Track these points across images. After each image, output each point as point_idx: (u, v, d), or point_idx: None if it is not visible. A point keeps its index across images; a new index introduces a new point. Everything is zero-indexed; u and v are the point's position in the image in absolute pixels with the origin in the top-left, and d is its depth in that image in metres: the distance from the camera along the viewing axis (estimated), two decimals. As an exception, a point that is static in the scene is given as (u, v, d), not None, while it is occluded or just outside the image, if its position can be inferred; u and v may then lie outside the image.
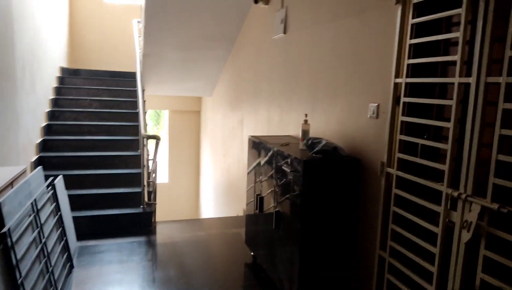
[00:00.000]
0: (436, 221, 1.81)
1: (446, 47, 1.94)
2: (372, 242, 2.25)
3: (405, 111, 2.03)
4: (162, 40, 4.88)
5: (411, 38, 1.99)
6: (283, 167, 2.54)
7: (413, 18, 1.99)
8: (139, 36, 5.52)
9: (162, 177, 8.25)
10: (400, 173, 2.03)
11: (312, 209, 2.34)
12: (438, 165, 1.79)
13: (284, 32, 3.50)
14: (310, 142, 2.45)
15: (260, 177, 3.05)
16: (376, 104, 2.21)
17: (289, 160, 2.47)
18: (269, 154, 2.84)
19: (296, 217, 2.39)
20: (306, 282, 2.37)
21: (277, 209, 2.67)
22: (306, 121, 2.66)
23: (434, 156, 1.93)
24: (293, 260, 2.44)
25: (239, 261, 3.41)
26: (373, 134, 2.25)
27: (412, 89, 2.02)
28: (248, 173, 3.37)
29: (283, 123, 3.62)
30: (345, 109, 2.55)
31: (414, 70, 2.01)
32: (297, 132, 3.30)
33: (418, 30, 1.99)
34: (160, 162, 8.68)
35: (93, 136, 4.95)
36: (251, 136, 3.33)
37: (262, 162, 3.00)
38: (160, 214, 5.33)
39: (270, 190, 2.86)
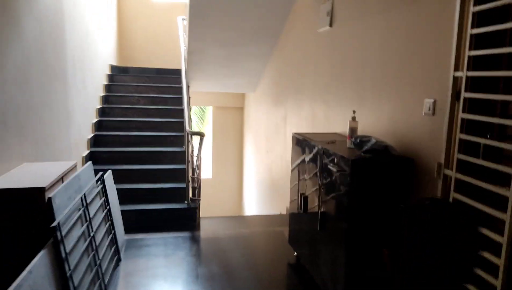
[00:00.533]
0: (500, 230, 1.65)
1: (514, 36, 1.75)
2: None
3: (465, 107, 1.86)
4: (206, 37, 4.89)
5: (472, 28, 1.82)
6: (329, 166, 2.44)
7: (474, 5, 1.82)
8: (184, 33, 5.58)
9: (206, 173, 8.37)
10: (460, 176, 1.87)
11: (360, 210, 2.22)
12: (505, 168, 1.62)
13: (330, 25, 3.37)
14: (358, 140, 2.33)
15: (304, 175, 2.96)
16: (433, 100, 2.05)
17: (335, 158, 2.37)
18: (314, 152, 2.75)
19: (343, 218, 2.29)
20: (351, 285, 2.26)
21: (322, 210, 2.58)
22: (354, 118, 2.54)
23: (497, 158, 1.76)
24: (338, 263, 2.34)
25: (282, 261, 3.35)
26: (429, 132, 2.09)
27: (473, 84, 1.85)
28: (292, 171, 3.29)
29: (328, 120, 3.50)
30: (396, 105, 2.40)
31: (475, 63, 1.84)
32: (343, 129, 3.17)
33: (481, 19, 1.82)
34: (204, 158, 8.81)
35: (140, 132, 5.08)
36: (295, 133, 3.25)
37: (307, 160, 2.91)
38: (204, 210, 5.39)
39: (314, 189, 2.77)
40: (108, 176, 3.39)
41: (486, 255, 1.71)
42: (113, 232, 3.16)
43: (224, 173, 8.25)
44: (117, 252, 3.17)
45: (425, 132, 2.12)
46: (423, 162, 2.13)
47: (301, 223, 3.07)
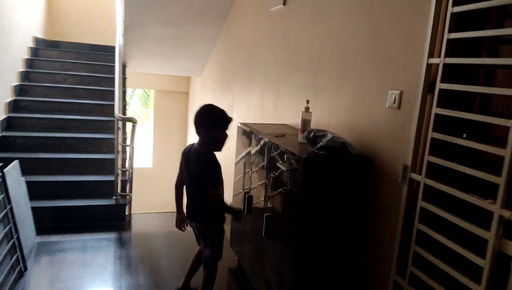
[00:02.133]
0: (479, 249, 1.37)
1: (501, 18, 1.46)
2: (386, 264, 1.81)
3: (440, 101, 1.56)
4: (146, 10, 4.32)
5: (454, 5, 1.51)
6: (277, 164, 2.07)
7: (455, -20, 1.51)
8: (121, 4, 4.95)
9: (145, 161, 7.76)
10: (430, 182, 1.57)
11: (312, 217, 1.88)
12: (490, 177, 1.33)
13: (284, 3, 2.99)
14: (312, 135, 1.98)
15: (250, 170, 2.58)
16: (399, 91, 1.74)
17: (285, 155, 2.00)
18: (261, 145, 2.37)
19: (292, 225, 1.93)
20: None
21: (268, 214, 2.21)
22: (307, 109, 2.18)
23: (475, 162, 1.48)
24: (285, 277, 2.00)
25: (223, 266, 2.97)
26: (393, 129, 1.78)
27: (451, 73, 1.55)
28: (236, 164, 2.90)
29: (278, 110, 3.14)
30: (357, 96, 2.07)
31: (455, 48, 1.54)
32: (295, 121, 2.82)
33: (461, -4, 1.51)
34: (144, 146, 8.17)
35: (65, 115, 4.43)
36: (241, 123, 2.85)
37: (253, 154, 2.53)
38: (141, 204, 4.86)
39: (260, 188, 2.40)
40: (13, 168, 2.80)
41: (463, 279, 1.43)
42: (15, 236, 2.60)
43: (166, 162, 7.68)
44: (21, 260, 2.61)
45: (388, 129, 1.81)
46: (386, 164, 1.82)
47: (244, 224, 2.70)
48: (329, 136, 1.90)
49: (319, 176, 1.87)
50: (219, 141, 2.11)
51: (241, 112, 4.10)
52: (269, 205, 2.24)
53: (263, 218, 2.26)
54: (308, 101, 2.19)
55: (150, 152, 7.69)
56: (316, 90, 2.51)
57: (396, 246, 1.71)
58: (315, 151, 1.92)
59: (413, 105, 1.65)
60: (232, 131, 4.35)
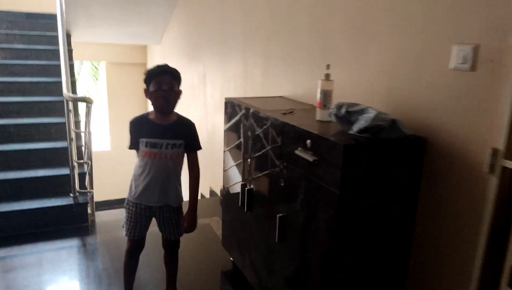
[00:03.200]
0: None
1: None
2: (463, 283, 1.39)
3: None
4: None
5: None
6: (296, 152, 1.57)
7: None
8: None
9: (103, 144, 6.98)
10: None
11: (354, 225, 1.42)
12: None
13: None
14: (344, 110, 1.48)
15: (248, 159, 2.06)
16: (472, 46, 1.27)
17: (308, 141, 1.50)
18: (264, 127, 1.86)
19: (326, 235, 1.47)
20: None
21: (282, 215, 1.73)
22: (327, 76, 1.67)
23: None
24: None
25: (214, 268, 2.49)
26: (465, 99, 1.32)
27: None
28: (227, 150, 2.38)
29: (269, 80, 2.61)
30: (392, 56, 1.59)
31: None
32: (295, 92, 2.32)
33: None
34: (100, 127, 7.34)
35: (0, 97, 3.63)
36: (229, 98, 2.30)
37: (252, 138, 2.01)
38: (101, 192, 4.22)
39: (264, 179, 1.91)
40: None
41: None
42: None
43: (126, 142, 6.95)
44: (-47, 294, 1.98)
45: (455, 99, 1.35)
46: (456, 147, 1.37)
47: (243, 223, 2.21)
48: (372, 112, 1.42)
49: (363, 168, 1.39)
50: (155, 99, 1.77)
51: (217, 84, 3.52)
52: (281, 203, 1.76)
53: (272, 219, 1.78)
54: (328, 66, 1.67)
55: (107, 134, 6.91)
56: (325, 52, 2.00)
57: (478, 259, 1.29)
58: (356, 134, 1.43)
59: (501, 65, 1.20)
60: (208, 106, 3.78)
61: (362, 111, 1.46)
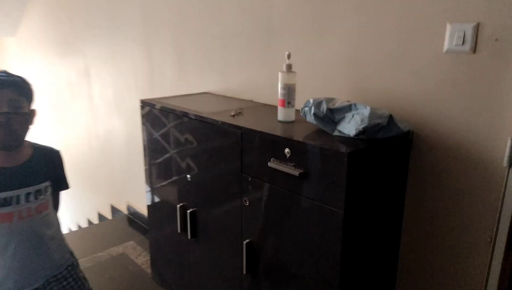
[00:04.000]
0: None
1: None
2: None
3: None
4: None
5: None
6: (271, 164, 1.25)
7: None
8: None
9: None
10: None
11: (359, 249, 1.18)
12: None
13: None
14: (324, 108, 1.22)
15: (188, 176, 1.66)
16: (473, 24, 1.11)
17: (288, 151, 1.20)
18: (213, 135, 1.48)
19: (323, 265, 1.20)
20: None
21: (248, 241, 1.40)
22: (289, 67, 1.38)
23: None
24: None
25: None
26: (465, 85, 1.16)
27: None
28: (151, 165, 1.92)
29: (186, 72, 2.19)
30: (364, 36, 1.37)
31: None
32: (223, 87, 1.97)
33: None
34: None
35: None
36: (146, 100, 1.84)
37: (190, 148, 1.61)
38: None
39: (213, 197, 1.55)
40: None
41: None
42: None
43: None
44: None
45: (450, 85, 1.19)
46: (449, 141, 1.22)
47: (184, 252, 1.81)
48: (362, 108, 1.18)
49: (365, 178, 1.15)
50: None
51: (107, 82, 2.92)
52: (246, 227, 1.43)
53: (233, 246, 1.45)
54: (289, 55, 1.38)
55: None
56: (268, 35, 1.69)
57: (494, 275, 1.17)
58: (341, 135, 1.18)
59: (509, 44, 1.06)
60: (95, 108, 3.13)
61: (348, 108, 1.21)
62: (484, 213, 1.18)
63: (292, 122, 1.40)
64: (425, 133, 1.27)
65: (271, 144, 1.26)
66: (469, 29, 1.12)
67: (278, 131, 1.28)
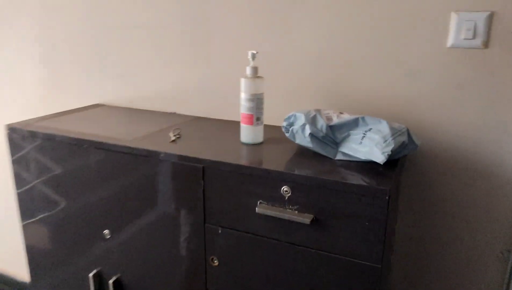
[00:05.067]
0: None
1: None
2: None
3: None
4: None
5: None
6: (259, 210, 0.89)
7: None
8: None
9: None
10: None
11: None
12: None
13: None
14: (323, 126, 0.91)
15: (105, 232, 1.15)
16: (486, 15, 0.94)
17: (286, 189, 0.86)
18: (148, 173, 1.02)
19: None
20: None
21: (224, 312, 1.01)
22: (255, 71, 1.01)
23: None
24: None
25: None
26: (470, 85, 1.00)
27: None
28: (32, 222, 1.31)
29: (60, 80, 1.59)
30: (345, 27, 1.10)
31: None
32: (115, 97, 1.47)
33: None
34: None
35: None
36: (15, 125, 1.22)
37: (114, 198, 1.11)
38: None
39: (159, 261, 1.11)
40: None
41: None
42: None
43: None
44: None
45: (457, 84, 1.01)
46: (454, 152, 1.05)
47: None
48: (377, 123, 0.91)
49: (392, 216, 0.90)
50: None
51: None
52: (214, 292, 1.03)
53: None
54: (254, 55, 1.01)
55: None
56: (202, 23, 1.28)
57: None
58: (344, 159, 0.90)
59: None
60: None
61: (353, 124, 0.93)
62: (497, 227, 1.06)
63: (261, 143, 1.05)
64: (423, 142, 1.08)
65: (257, 181, 0.89)
66: (481, 20, 0.95)
67: (258, 162, 0.92)
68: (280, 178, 0.86)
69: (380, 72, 1.07)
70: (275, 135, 1.12)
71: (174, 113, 1.39)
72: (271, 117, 1.23)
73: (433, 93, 1.04)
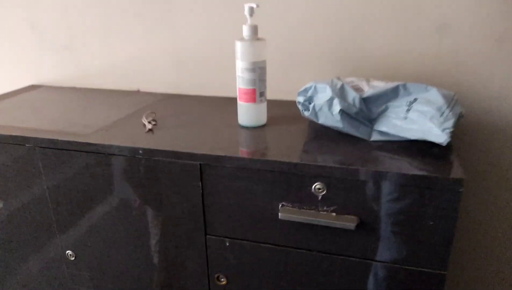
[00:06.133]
0: None
1: None
2: None
3: None
4: None
5: None
6: (282, 216, 0.67)
7: None
8: None
9: None
10: None
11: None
12: None
13: None
14: (356, 100, 0.70)
15: (69, 251, 0.88)
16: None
17: (319, 187, 0.65)
18: (133, 173, 0.77)
19: None
20: None
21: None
22: (255, 30, 0.76)
23: None
24: None
25: None
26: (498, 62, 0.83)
27: None
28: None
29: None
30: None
31: None
32: (56, 76, 1.16)
33: None
34: None
35: None
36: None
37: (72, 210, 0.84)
38: None
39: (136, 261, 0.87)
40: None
41: None
42: None
43: None
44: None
45: (498, 38, 0.84)
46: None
47: None
48: (424, 91, 0.72)
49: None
50: None
51: None
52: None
53: None
54: (252, 10, 0.76)
55: None
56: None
57: None
58: (382, 140, 0.71)
59: None
60: None
61: (392, 93, 0.72)
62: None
63: (263, 126, 0.83)
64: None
65: (277, 179, 0.67)
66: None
67: (273, 152, 0.69)
68: (311, 172, 0.65)
69: (405, 27, 0.87)
70: (275, 112, 0.90)
71: (138, 91, 1.10)
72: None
73: (470, 49, 0.86)
